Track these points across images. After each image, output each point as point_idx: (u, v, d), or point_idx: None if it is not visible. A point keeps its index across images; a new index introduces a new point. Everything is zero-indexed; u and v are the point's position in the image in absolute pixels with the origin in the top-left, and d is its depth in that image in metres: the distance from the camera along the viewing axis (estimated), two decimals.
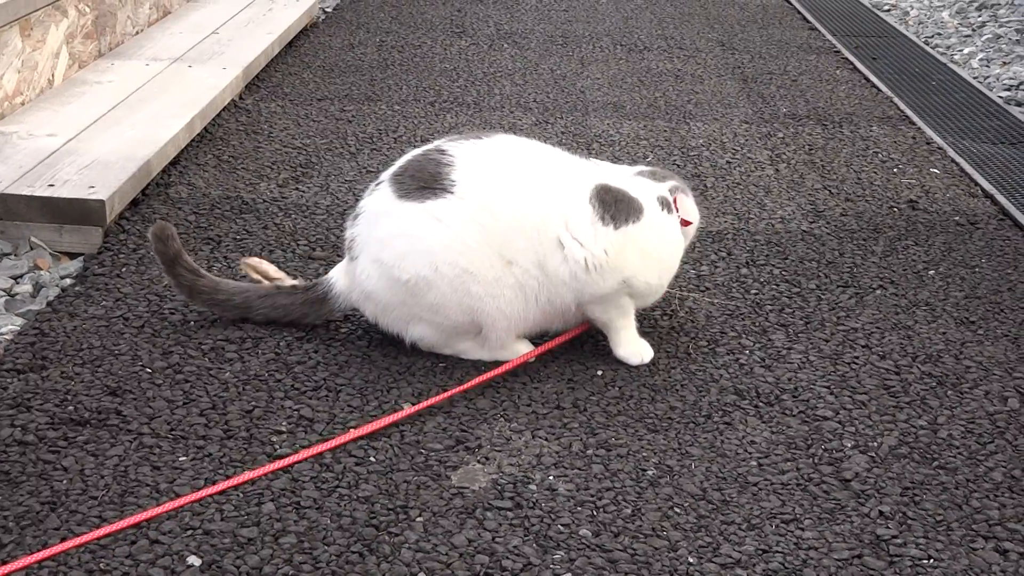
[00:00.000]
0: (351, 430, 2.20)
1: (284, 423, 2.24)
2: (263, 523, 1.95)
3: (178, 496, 2.00)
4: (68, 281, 2.80)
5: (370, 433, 2.19)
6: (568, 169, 2.47)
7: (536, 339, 2.54)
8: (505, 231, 2.36)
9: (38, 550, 1.85)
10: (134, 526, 1.92)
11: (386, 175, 2.47)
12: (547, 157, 2.48)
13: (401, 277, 2.38)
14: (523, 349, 2.50)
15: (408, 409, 2.27)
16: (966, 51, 5.39)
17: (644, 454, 2.20)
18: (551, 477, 2.12)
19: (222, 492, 2.01)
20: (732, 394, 2.42)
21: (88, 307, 2.66)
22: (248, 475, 2.05)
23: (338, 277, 2.53)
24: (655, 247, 2.47)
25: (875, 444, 2.26)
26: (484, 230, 2.35)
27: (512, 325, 2.43)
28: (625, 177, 2.55)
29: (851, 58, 5.14)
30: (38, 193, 2.95)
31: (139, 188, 3.21)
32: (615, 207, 2.41)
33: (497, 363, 2.45)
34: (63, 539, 1.89)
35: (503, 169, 2.41)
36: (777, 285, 2.93)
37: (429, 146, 2.49)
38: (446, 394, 2.32)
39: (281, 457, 2.12)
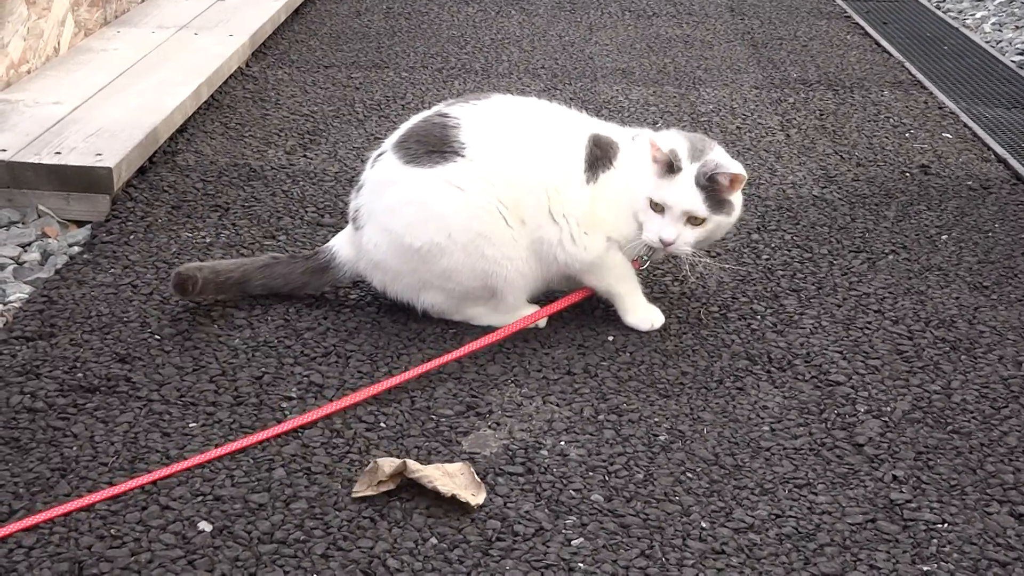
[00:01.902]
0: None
1: (294, 389, 2.23)
2: (274, 488, 1.95)
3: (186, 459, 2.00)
4: (76, 249, 2.78)
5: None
6: (568, 126, 2.45)
7: (542, 299, 2.52)
8: (517, 190, 2.35)
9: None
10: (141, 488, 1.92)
11: (388, 144, 2.44)
12: (547, 115, 2.47)
13: (413, 244, 2.36)
14: (529, 311, 2.48)
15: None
16: (978, 15, 5.34)
17: (656, 419, 2.19)
18: (562, 442, 2.11)
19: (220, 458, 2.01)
20: (744, 359, 2.41)
21: (96, 274, 2.64)
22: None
23: (341, 246, 2.51)
24: (615, 197, 2.42)
25: (888, 409, 2.25)
26: (496, 190, 2.34)
27: (528, 284, 2.42)
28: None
29: (862, 23, 5.09)
30: (45, 161, 2.94)
31: (146, 156, 3.20)
32: (597, 162, 2.42)
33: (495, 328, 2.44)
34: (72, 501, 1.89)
35: (509, 129, 2.39)
36: (789, 250, 2.91)
37: (429, 111, 2.47)
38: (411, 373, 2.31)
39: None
